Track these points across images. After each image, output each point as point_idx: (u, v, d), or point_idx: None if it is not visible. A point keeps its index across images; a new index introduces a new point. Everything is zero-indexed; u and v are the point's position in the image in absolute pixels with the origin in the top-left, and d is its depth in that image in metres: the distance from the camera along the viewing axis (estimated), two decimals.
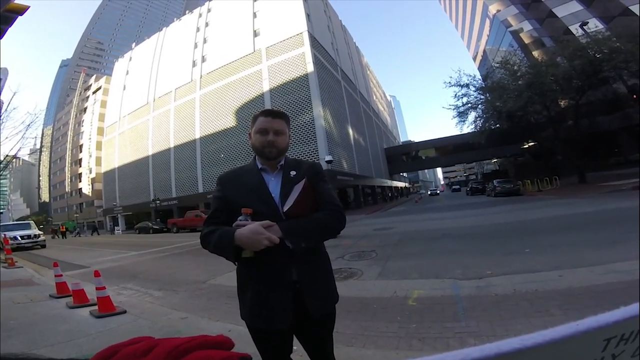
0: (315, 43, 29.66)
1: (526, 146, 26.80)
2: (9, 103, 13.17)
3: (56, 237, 28.96)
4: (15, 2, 4.69)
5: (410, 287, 3.95)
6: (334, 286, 1.38)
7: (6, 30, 4.79)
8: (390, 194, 41.17)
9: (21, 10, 4.72)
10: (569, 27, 27.62)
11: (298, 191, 1.23)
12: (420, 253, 6.24)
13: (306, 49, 28.14)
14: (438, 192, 50.21)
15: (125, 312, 3.84)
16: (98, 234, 33.65)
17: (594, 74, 18.75)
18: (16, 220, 46.25)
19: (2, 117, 12.77)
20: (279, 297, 1.23)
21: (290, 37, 29.31)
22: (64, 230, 31.14)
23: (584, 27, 19.66)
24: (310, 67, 27.47)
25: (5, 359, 0.57)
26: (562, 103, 23.34)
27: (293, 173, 1.35)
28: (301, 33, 28.79)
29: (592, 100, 21.95)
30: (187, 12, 43.58)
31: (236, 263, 1.26)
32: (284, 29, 29.95)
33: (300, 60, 28.21)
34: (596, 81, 19.60)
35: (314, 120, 26.37)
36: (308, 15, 30.05)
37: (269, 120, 1.33)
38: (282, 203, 1.27)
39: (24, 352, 2.66)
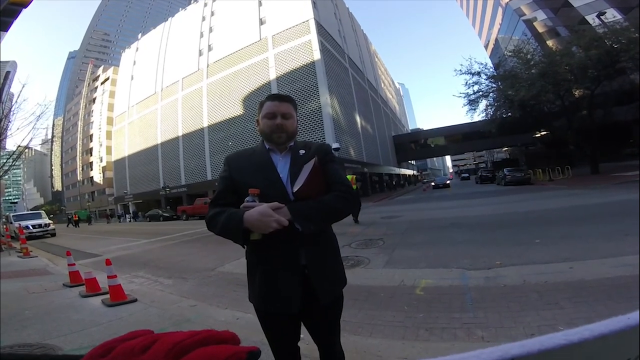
0: (321, 30, 29.22)
1: (538, 135, 26.23)
2: (19, 94, 13.33)
3: (70, 225, 29.64)
4: None
5: (417, 277, 3.92)
6: (343, 269, 1.37)
7: (12, 23, 4.79)
8: (395, 182, 40.79)
9: (25, 3, 4.71)
10: (585, 17, 26.74)
11: (308, 171, 1.21)
12: (427, 242, 6.17)
13: (313, 36, 27.76)
14: (448, 182, 32.82)
15: (136, 300, 3.91)
16: (108, 222, 34.52)
17: (611, 64, 18.19)
18: (30, 209, 47.48)
19: (12, 109, 12.91)
20: (287, 280, 1.21)
21: (297, 25, 28.92)
22: (77, 219, 31.89)
23: (601, 17, 18.98)
24: (317, 55, 27.15)
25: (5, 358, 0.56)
26: (576, 93, 22.72)
27: (302, 152, 1.33)
28: (307, 20, 28.38)
29: (607, 90, 21.32)
30: (192, 1, 43.19)
31: (244, 246, 1.24)
32: (290, 16, 29.54)
33: (307, 48, 27.88)
34: (613, 72, 19.02)
35: (321, 108, 26.19)
36: (314, 3, 29.54)
37: (276, 104, 1.32)
38: (291, 183, 1.25)
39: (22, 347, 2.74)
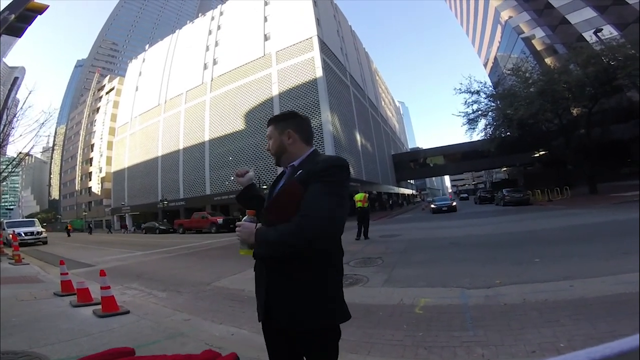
0: (324, 48, 29.81)
1: (537, 155, 26.36)
2: (25, 101, 13.43)
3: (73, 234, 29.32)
4: (35, 1, 4.80)
5: (417, 295, 3.90)
6: (312, 305, 1.18)
7: (26, 29, 4.89)
8: (391, 202, 40.39)
9: (41, 10, 4.82)
10: (582, 34, 27.37)
11: (275, 193, 1.30)
12: (427, 261, 6.15)
13: (315, 53, 28.28)
14: (454, 203, 24.67)
15: (128, 312, 3.82)
16: (111, 232, 34.34)
17: (608, 81, 18.39)
18: (26, 217, 47.18)
19: (17, 115, 12.97)
20: (258, 298, 1.30)
21: (300, 42, 29.50)
22: (70, 228, 31.75)
23: (598, 33, 19.35)
24: (319, 72, 27.58)
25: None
26: (574, 111, 22.99)
27: (299, 172, 1.27)
28: (311, 38, 28.97)
29: (605, 108, 21.58)
30: (200, 14, 44.18)
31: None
32: (294, 33, 30.17)
33: (310, 65, 28.35)
34: (610, 89, 19.23)
35: (322, 125, 26.40)
36: (318, 20, 30.23)
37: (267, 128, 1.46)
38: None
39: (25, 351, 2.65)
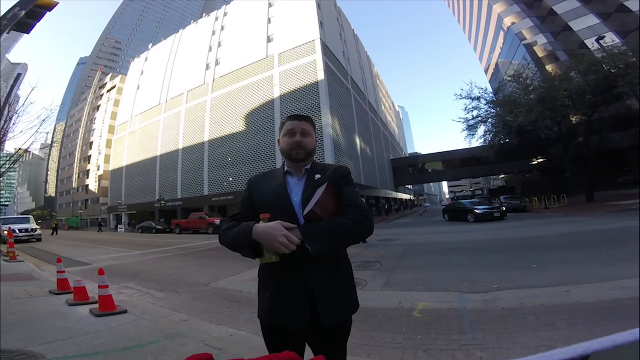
0: (326, 51, 29.87)
1: (535, 162, 26.42)
2: (27, 97, 13.39)
3: (54, 233, 28.74)
4: None
5: (415, 299, 3.93)
6: (353, 294, 1.35)
7: (34, 25, 4.89)
8: (387, 206, 40.22)
9: (50, 6, 4.84)
10: (585, 41, 27.37)
11: (320, 193, 1.21)
12: (425, 265, 6.18)
13: (318, 56, 28.34)
14: (503, 208, 17.35)
15: (126, 311, 3.80)
16: (116, 230, 34.14)
17: (608, 89, 18.40)
18: (21, 213, 46.88)
19: (18, 111, 12.91)
20: (295, 299, 1.22)
21: (303, 44, 29.56)
22: (55, 225, 31.30)
23: (600, 41, 19.42)
24: (320, 75, 27.62)
25: None
26: (573, 119, 23.06)
27: (317, 176, 1.34)
28: (313, 40, 29.03)
29: (604, 116, 21.64)
30: (204, 15, 44.16)
31: (254, 258, 1.23)
32: (297, 35, 30.23)
33: (311, 68, 28.39)
34: (610, 97, 19.24)
35: (322, 128, 26.38)
36: (321, 23, 30.30)
37: (295, 122, 1.38)
38: (303, 207, 1.25)
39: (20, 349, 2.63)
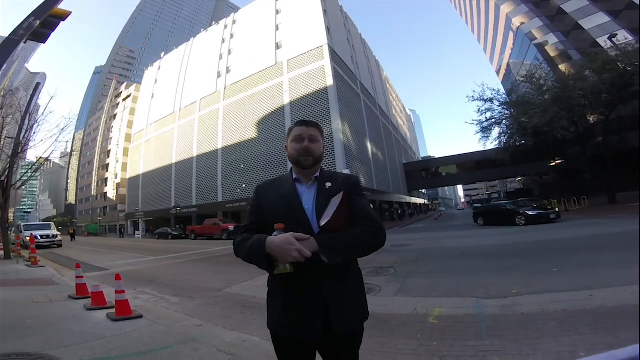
0: (335, 56, 29.99)
1: (552, 164, 25.73)
2: (46, 107, 13.80)
3: (73, 239, 29.68)
4: (58, 7, 4.98)
5: (430, 305, 3.85)
6: (364, 304, 1.34)
7: (49, 35, 5.05)
8: (400, 211, 39.59)
9: (64, 16, 4.99)
10: (597, 40, 26.76)
11: (336, 205, 1.20)
12: (440, 271, 6.08)
13: (326, 62, 28.46)
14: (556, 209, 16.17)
15: (141, 316, 3.85)
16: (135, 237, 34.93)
17: (625, 87, 17.87)
18: (43, 220, 48.47)
19: (38, 120, 13.35)
20: (308, 310, 1.21)
21: (311, 50, 29.76)
22: (73, 232, 32.45)
23: (613, 39, 18.89)
24: (330, 80, 27.71)
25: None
26: (590, 119, 22.42)
27: (329, 184, 1.33)
28: (321, 46, 29.20)
29: (622, 115, 20.97)
30: (213, 23, 44.95)
31: (271, 271, 1.24)
32: (305, 42, 30.48)
33: (320, 74, 28.52)
34: (627, 95, 18.59)
35: (332, 133, 26.41)
36: (328, 29, 30.48)
37: (304, 128, 1.37)
38: (317, 215, 1.24)
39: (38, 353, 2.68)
